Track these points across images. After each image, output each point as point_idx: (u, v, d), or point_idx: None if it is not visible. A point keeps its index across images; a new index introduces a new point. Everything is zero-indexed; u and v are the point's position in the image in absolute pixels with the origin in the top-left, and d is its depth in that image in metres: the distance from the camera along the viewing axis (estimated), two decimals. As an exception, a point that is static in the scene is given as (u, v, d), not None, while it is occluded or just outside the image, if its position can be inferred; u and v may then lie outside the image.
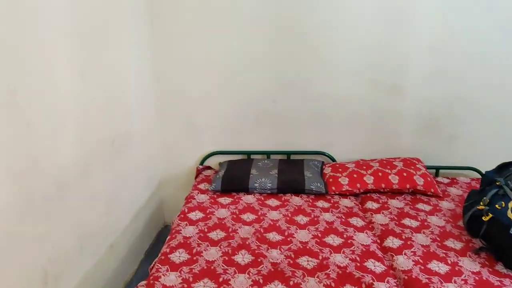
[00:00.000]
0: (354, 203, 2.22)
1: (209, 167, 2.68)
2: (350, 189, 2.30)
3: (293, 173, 2.38)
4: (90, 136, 1.75)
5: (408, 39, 2.43)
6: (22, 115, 1.29)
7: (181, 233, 1.87)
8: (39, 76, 1.37)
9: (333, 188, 2.31)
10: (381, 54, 2.47)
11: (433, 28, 2.41)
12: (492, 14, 2.37)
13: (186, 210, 2.09)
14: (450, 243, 1.82)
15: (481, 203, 1.83)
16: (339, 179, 2.35)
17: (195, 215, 2.04)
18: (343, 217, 2.06)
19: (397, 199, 2.26)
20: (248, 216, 2.03)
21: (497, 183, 1.89)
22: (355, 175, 2.36)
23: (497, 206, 1.75)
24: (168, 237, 1.86)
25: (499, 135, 2.59)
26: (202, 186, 2.39)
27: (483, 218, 1.76)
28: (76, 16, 1.58)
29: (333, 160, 2.67)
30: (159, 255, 1.72)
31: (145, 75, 2.41)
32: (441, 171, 2.64)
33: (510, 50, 2.44)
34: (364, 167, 2.42)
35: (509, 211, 1.67)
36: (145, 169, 2.49)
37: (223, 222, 1.97)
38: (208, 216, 2.02)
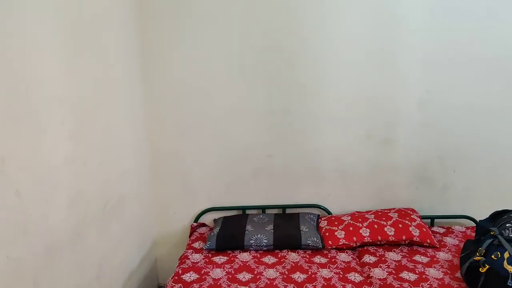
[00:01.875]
0: (352, 257, 2.20)
1: (203, 224, 2.66)
2: (347, 242, 2.28)
3: (289, 228, 2.37)
4: (83, 200, 1.75)
5: (398, 94, 2.54)
6: (11, 182, 1.29)
7: (175, 296, 1.82)
8: (29, 141, 1.38)
9: (330, 242, 2.29)
10: (373, 109, 2.56)
11: (420, 83, 2.52)
12: (476, 66, 2.49)
13: (180, 271, 2.05)
14: (451, 297, 1.79)
15: (477, 254, 1.82)
16: (336, 233, 2.33)
17: (189, 276, 2.00)
18: (341, 272, 2.02)
19: (394, 251, 2.24)
20: (244, 276, 1.99)
21: (491, 233, 1.89)
22: (351, 228, 2.35)
23: (493, 256, 1.74)
24: (162, 301, 1.81)
25: (491, 183, 2.63)
26: (196, 244, 2.35)
27: (480, 269, 1.74)
28: (69, 80, 1.63)
29: (329, 212, 2.67)
30: (153, 321, 1.66)
31: (138, 135, 2.46)
32: (436, 220, 2.64)
33: (496, 101, 2.54)
34: (360, 220, 2.41)
35: (505, 262, 1.66)
36: (138, 229, 2.46)
37: (218, 283, 1.93)
38: (203, 277, 1.98)
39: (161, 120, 2.57)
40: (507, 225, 1.90)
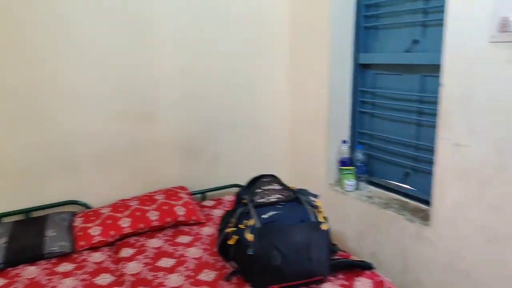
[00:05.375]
0: (107, 255, 1.91)
1: None
2: (103, 239, 1.97)
3: (30, 237, 1.90)
4: None
5: (155, 64, 2.34)
6: None
7: None
8: None
9: (82, 243, 1.94)
10: (127, 82, 2.28)
11: (178, 54, 2.38)
12: (232, 34, 2.52)
13: None
14: (204, 276, 1.70)
15: (230, 225, 1.76)
16: (89, 230, 1.99)
17: None
18: (89, 277, 1.71)
19: (157, 237, 2.05)
20: None
21: (243, 201, 1.85)
22: (109, 221, 2.05)
23: (241, 226, 1.70)
24: None
25: (253, 149, 2.73)
26: None
27: (228, 241, 1.69)
28: None
29: (89, 207, 2.29)
30: None
31: None
32: (209, 193, 2.59)
33: (253, 69, 2.61)
34: (121, 209, 2.13)
35: (246, 231, 1.62)
36: None
37: None
38: None
39: None
40: (257, 190, 1.89)
